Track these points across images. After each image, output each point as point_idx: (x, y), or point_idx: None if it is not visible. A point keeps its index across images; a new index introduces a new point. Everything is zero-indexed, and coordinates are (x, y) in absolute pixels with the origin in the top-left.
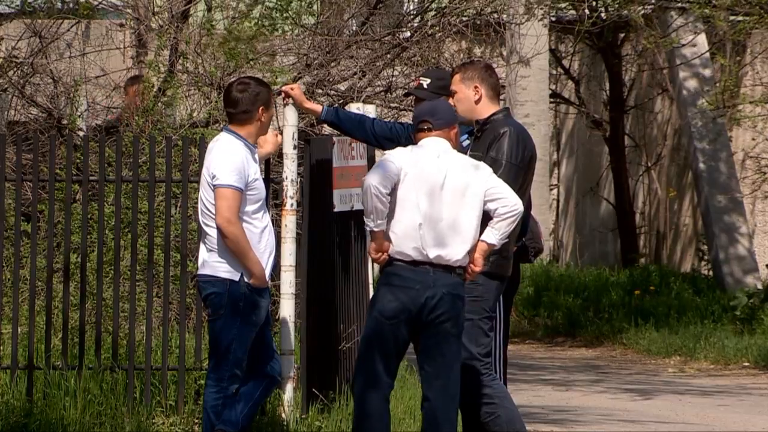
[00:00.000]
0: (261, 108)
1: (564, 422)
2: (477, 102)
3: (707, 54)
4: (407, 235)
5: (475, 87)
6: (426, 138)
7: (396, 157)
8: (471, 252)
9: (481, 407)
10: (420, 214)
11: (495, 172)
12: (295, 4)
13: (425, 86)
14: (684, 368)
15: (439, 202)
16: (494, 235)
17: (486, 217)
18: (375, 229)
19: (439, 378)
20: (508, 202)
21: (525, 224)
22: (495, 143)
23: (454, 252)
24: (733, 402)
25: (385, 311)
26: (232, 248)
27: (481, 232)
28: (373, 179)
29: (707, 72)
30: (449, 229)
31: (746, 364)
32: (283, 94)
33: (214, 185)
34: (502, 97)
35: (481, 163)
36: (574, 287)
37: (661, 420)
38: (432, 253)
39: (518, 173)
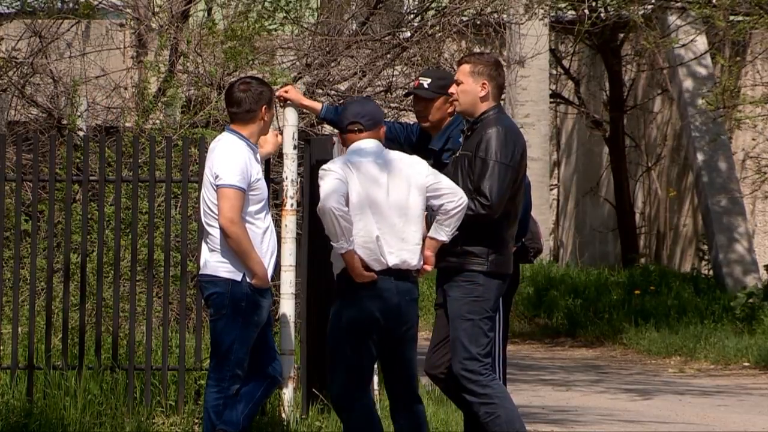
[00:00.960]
0: (264, 107)
1: (564, 422)
2: (483, 99)
3: (707, 54)
4: (367, 247)
5: (483, 84)
6: (358, 141)
7: (338, 170)
8: (421, 251)
9: (481, 407)
10: (375, 225)
11: (484, 172)
12: (294, 2)
13: (425, 86)
14: (684, 368)
15: (388, 209)
16: (444, 232)
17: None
18: (349, 248)
19: (407, 380)
20: (453, 197)
21: (525, 224)
22: (483, 143)
23: (410, 257)
24: (733, 402)
25: (360, 324)
26: (235, 248)
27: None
28: (331, 201)
29: (706, 72)
30: (402, 234)
31: (746, 364)
32: (280, 99)
33: (216, 185)
34: (502, 97)
35: (415, 158)
36: (574, 287)
37: (661, 420)
38: (391, 261)
39: (507, 171)
